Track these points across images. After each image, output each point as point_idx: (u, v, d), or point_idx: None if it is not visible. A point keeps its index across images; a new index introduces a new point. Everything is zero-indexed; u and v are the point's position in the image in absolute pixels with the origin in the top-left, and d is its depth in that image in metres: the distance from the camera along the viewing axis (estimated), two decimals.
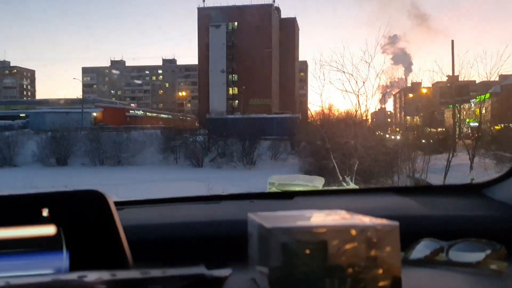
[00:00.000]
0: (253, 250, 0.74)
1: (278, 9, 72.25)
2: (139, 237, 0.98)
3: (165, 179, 22.17)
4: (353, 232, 0.65)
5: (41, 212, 0.74)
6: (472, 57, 28.60)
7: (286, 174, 19.40)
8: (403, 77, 48.07)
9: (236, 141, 34.37)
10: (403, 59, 65.42)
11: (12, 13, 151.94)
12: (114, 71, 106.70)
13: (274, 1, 70.15)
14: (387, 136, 30.82)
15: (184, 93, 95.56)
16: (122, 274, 0.53)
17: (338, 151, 19.92)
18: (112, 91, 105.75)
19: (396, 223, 0.67)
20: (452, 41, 27.39)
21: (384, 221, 0.69)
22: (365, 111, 22.39)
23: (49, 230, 0.74)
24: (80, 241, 0.74)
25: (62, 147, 35.85)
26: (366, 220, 0.69)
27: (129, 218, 1.13)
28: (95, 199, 0.76)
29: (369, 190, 2.06)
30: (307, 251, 0.65)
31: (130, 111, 61.69)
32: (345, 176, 18.10)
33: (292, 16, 77.00)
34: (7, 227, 0.73)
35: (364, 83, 21.14)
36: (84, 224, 0.74)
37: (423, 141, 26.23)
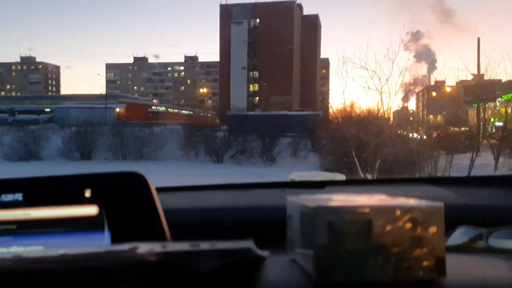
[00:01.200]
0: (294, 232, 0.75)
1: (300, 6, 71.99)
2: (177, 220, 0.98)
3: (187, 174, 22.39)
4: (398, 212, 0.65)
5: (83, 193, 0.76)
6: (499, 55, 28.02)
7: (307, 171, 19.37)
8: (427, 74, 47.44)
9: (256, 138, 34.40)
10: (427, 56, 64.66)
11: (38, 11, 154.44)
12: (137, 68, 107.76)
13: None
14: (410, 135, 30.51)
15: (205, 90, 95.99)
16: (172, 246, 0.54)
17: (360, 149, 19.80)
18: (135, 87, 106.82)
19: (441, 204, 0.67)
20: (478, 39, 26.98)
21: (428, 202, 0.69)
22: (388, 109, 22.19)
23: (92, 210, 0.75)
24: (121, 222, 0.76)
25: (86, 141, 36.37)
26: (410, 201, 0.70)
27: (168, 202, 1.12)
28: (136, 180, 0.78)
29: (401, 180, 2.05)
30: (353, 230, 0.65)
31: (152, 107, 62.28)
32: (366, 173, 18.01)
33: (314, 13, 76.68)
34: (51, 206, 0.75)
35: (387, 80, 20.94)
36: (125, 205, 0.76)
37: (446, 140, 25.88)
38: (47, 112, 51.42)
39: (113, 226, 0.75)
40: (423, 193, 1.39)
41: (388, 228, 0.63)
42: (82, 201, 0.76)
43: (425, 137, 26.27)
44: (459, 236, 0.94)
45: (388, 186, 1.70)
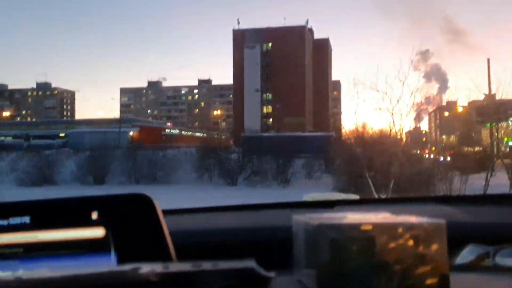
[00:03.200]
0: (299, 250, 0.76)
1: (311, 30, 72.60)
2: (183, 242, 0.98)
3: (200, 197, 22.39)
4: (400, 229, 0.66)
5: (90, 215, 0.77)
6: (510, 75, 27.91)
7: (321, 192, 19.28)
8: (438, 95, 47.29)
9: (270, 159, 34.35)
10: (437, 76, 64.46)
11: (54, 38, 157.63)
12: (150, 92, 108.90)
13: (307, 23, 70.70)
14: (423, 155, 30.23)
15: (219, 112, 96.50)
16: (174, 267, 0.53)
17: (373, 170, 19.69)
18: (149, 111, 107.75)
19: (443, 221, 0.68)
20: (488, 60, 26.84)
21: (431, 220, 0.72)
22: (400, 129, 22.09)
23: (98, 232, 0.76)
24: (128, 243, 0.77)
25: (100, 166, 36.52)
26: (412, 218, 0.74)
27: (174, 224, 1.13)
28: (142, 202, 0.79)
29: (410, 199, 2.04)
30: (355, 248, 0.65)
31: (166, 130, 62.67)
32: (380, 195, 17.88)
33: (324, 36, 77.27)
34: (58, 229, 0.76)
35: (398, 101, 20.90)
36: (131, 227, 0.77)
37: (460, 160, 25.63)
38: (61, 137, 51.97)
39: (119, 248, 0.76)
40: (431, 211, 1.39)
41: (391, 245, 0.62)
42: (89, 223, 0.77)
43: (441, 158, 26.05)
44: (466, 254, 0.94)
45: (397, 205, 1.70)
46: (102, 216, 0.76)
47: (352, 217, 0.71)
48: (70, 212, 0.77)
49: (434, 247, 0.63)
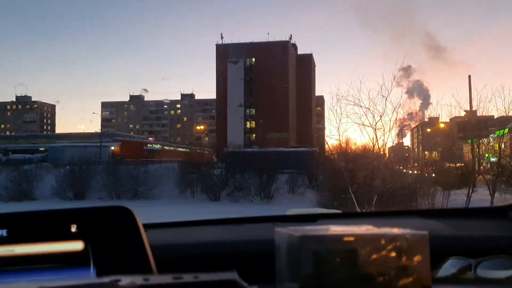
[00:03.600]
0: (282, 263, 0.71)
1: (294, 46, 73.22)
2: (165, 255, 0.97)
3: (182, 212, 22.14)
4: (383, 241, 0.66)
5: (69, 228, 0.75)
6: (490, 92, 28.45)
7: (304, 208, 19.23)
8: (421, 110, 47.86)
9: (253, 175, 34.29)
10: (420, 92, 65.40)
11: (34, 50, 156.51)
12: (132, 106, 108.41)
13: (290, 38, 71.29)
14: (405, 170, 30.45)
15: (202, 127, 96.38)
16: (154, 279, 0.55)
17: (356, 185, 19.72)
18: (130, 125, 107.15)
19: (425, 232, 0.68)
20: (469, 76, 27.22)
21: (413, 231, 0.70)
22: (383, 145, 22.22)
23: (77, 245, 0.75)
24: (108, 257, 0.74)
25: (80, 180, 36.13)
26: (395, 230, 0.71)
27: (156, 238, 1.12)
28: (123, 215, 0.77)
29: (393, 212, 2.06)
30: (338, 259, 0.66)
31: (148, 145, 62.25)
32: (363, 210, 17.86)
33: (308, 52, 77.99)
34: (36, 243, 0.73)
35: (381, 117, 21.04)
36: (111, 240, 0.75)
37: (442, 176, 25.87)
38: (41, 151, 51.27)
39: (99, 261, 0.74)
40: (413, 224, 1.38)
41: (374, 257, 0.64)
42: (68, 236, 0.75)
43: (425, 174, 26.25)
44: (448, 267, 0.94)
45: (379, 219, 1.71)
46: (82, 229, 0.78)
47: (335, 229, 0.73)
48: (49, 225, 0.78)
49: (417, 258, 0.65)
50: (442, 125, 38.41)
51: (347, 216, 2.13)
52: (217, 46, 70.47)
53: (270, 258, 0.78)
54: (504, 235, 1.30)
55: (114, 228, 0.76)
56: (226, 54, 68.31)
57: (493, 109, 26.03)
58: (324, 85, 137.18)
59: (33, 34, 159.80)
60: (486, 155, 29.04)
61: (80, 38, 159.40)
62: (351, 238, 0.65)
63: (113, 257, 0.74)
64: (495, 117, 28.97)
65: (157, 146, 65.03)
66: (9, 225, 0.75)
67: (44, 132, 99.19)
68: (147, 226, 0.81)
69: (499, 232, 1.33)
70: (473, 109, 25.92)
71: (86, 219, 0.76)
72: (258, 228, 1.56)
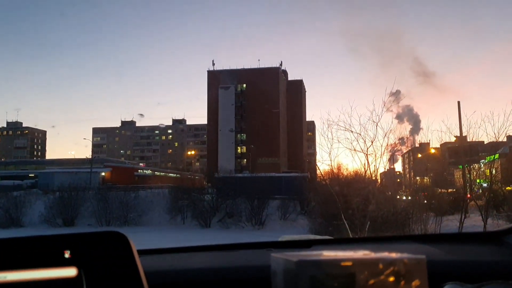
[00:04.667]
0: None
1: (285, 72, 73.81)
2: (160, 282, 0.97)
3: (173, 239, 21.84)
4: (381, 265, 0.67)
5: (63, 254, 0.74)
6: (480, 117, 28.76)
7: (296, 234, 19.04)
8: (412, 136, 48.14)
9: (244, 201, 34.02)
10: (410, 117, 65.90)
11: (25, 74, 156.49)
12: (124, 132, 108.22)
13: (281, 64, 71.93)
14: (398, 196, 30.42)
15: (193, 152, 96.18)
16: None
17: (349, 211, 19.62)
18: (121, 151, 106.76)
19: (423, 257, 0.68)
20: (459, 103, 27.47)
21: (410, 255, 0.70)
22: (375, 171, 22.20)
23: (71, 272, 0.73)
24: (101, 283, 0.73)
25: (70, 207, 35.67)
26: (393, 254, 0.71)
27: (149, 264, 1.08)
28: (117, 240, 0.77)
29: (387, 237, 2.05)
30: (336, 284, 0.66)
31: (139, 171, 61.88)
32: (357, 236, 17.72)
33: (298, 77, 78.65)
34: (30, 269, 0.72)
35: (372, 142, 21.09)
36: (105, 266, 0.74)
37: (434, 202, 25.85)
38: (31, 177, 50.77)
39: (92, 287, 0.73)
40: (408, 250, 1.35)
41: (372, 281, 0.65)
42: (61, 262, 0.74)
43: (417, 199, 26.22)
44: None
45: (374, 244, 1.72)
46: (75, 255, 0.77)
47: (332, 254, 0.73)
48: (42, 251, 0.77)
49: (415, 283, 0.65)
50: (433, 151, 38.60)
51: (342, 242, 2.11)
52: (209, 72, 70.92)
53: (265, 284, 0.78)
54: (499, 260, 1.29)
55: (108, 253, 0.74)
56: (218, 80, 68.72)
57: (483, 134, 26.14)
58: (314, 110, 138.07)
59: (25, 59, 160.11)
60: (478, 180, 29.14)
61: (73, 64, 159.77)
62: (349, 263, 0.65)
63: (107, 283, 0.73)
64: (485, 143, 29.18)
65: (148, 172, 64.68)
66: (1, 250, 0.73)
67: (35, 158, 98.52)
68: (139, 252, 0.74)
69: (494, 257, 1.33)
70: (463, 134, 26.10)
71: (80, 244, 0.75)
72: (252, 254, 1.53)
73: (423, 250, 1.42)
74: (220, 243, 1.70)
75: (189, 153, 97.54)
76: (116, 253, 0.74)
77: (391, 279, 0.65)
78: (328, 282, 0.64)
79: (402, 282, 0.65)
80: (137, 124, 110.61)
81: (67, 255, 0.73)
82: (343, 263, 0.65)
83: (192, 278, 1.18)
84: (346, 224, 18.72)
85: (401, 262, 0.67)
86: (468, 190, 26.85)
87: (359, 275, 0.65)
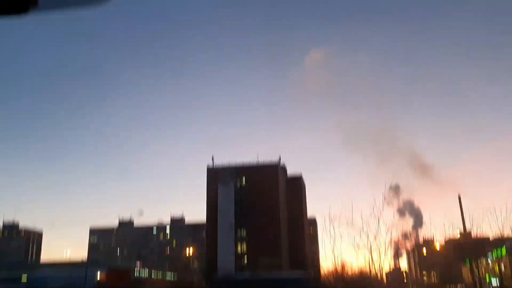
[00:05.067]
0: None
1: (284, 168, 74.01)
2: None
3: None
4: None
5: None
6: (482, 211, 28.46)
7: None
8: (414, 230, 47.27)
9: None
10: (411, 211, 65.03)
11: (23, 174, 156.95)
12: (121, 231, 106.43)
13: (280, 159, 72.26)
14: None
15: (191, 250, 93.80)
16: None
17: None
18: (118, 250, 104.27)
19: None
20: (459, 196, 27.18)
21: None
22: (379, 268, 21.43)
23: None
24: None
25: None
26: None
27: None
28: None
29: None
30: None
31: (135, 273, 59.76)
32: None
33: (297, 172, 78.70)
34: None
35: (375, 237, 20.50)
36: None
37: None
38: (23, 283, 48.91)
39: None
40: None
41: None
42: None
43: None
44: None
45: None
46: None
47: None
48: None
49: None
50: (437, 246, 37.69)
51: None
52: (208, 169, 70.98)
53: None
54: None
55: None
56: (217, 176, 68.64)
57: (487, 228, 25.70)
58: (315, 204, 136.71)
59: (24, 161, 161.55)
60: (487, 279, 28.08)
61: (71, 165, 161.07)
62: None
63: None
64: (490, 239, 28.52)
65: (145, 275, 62.36)
66: None
67: (30, 259, 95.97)
68: None
69: None
70: (467, 227, 25.56)
71: None
72: None
73: None
74: None
75: (187, 252, 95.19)
76: None
77: None
78: None
79: None
80: (135, 222, 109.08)
81: None
82: None
83: None
84: None
85: None
86: (477, 283, 25.82)
87: None
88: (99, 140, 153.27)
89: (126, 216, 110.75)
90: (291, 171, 76.04)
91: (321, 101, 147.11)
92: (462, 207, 26.77)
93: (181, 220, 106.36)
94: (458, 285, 31.78)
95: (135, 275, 57.65)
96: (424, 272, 40.70)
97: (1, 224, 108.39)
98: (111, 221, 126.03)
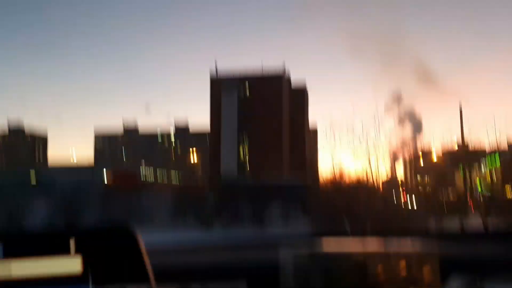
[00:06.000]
0: (288, 283, 0.78)
1: (288, 80, 73.48)
2: (167, 276, 0.97)
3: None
4: (392, 258, 0.65)
5: (68, 245, 0.78)
6: (481, 120, 28.84)
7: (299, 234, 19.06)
8: (413, 139, 48.05)
9: (247, 205, 34.10)
10: (412, 120, 65.49)
11: (28, 77, 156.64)
12: (126, 138, 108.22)
13: (284, 68, 71.33)
14: (399, 202, 30.44)
15: (195, 158, 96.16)
16: None
17: (351, 218, 19.69)
18: (124, 157, 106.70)
19: (433, 250, 0.67)
20: (460, 108, 27.59)
21: (421, 249, 0.71)
22: (376, 176, 22.19)
23: (75, 262, 0.77)
24: (107, 275, 0.77)
25: (72, 211, 35.55)
26: (403, 248, 0.72)
27: (157, 260, 1.11)
28: (124, 233, 0.81)
29: (396, 233, 2.12)
30: (348, 276, 0.65)
31: (141, 176, 61.68)
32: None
33: (300, 77, 77.94)
34: (36, 257, 0.76)
35: (374, 144, 21.11)
36: (111, 258, 0.78)
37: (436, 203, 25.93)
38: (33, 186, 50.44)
39: (98, 279, 0.74)
40: (417, 245, 1.44)
41: (383, 274, 0.63)
42: (67, 252, 0.74)
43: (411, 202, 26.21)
44: (455, 283, 0.97)
45: (384, 239, 1.75)
46: (80, 246, 0.74)
47: (344, 246, 0.72)
48: (47, 242, 0.74)
49: (426, 274, 0.64)
50: (434, 158, 38.82)
51: (354, 235, 2.27)
52: (212, 79, 70.82)
53: (275, 279, 0.86)
54: (500, 255, 1.38)
55: (115, 246, 0.79)
56: (220, 85, 68.79)
57: (485, 139, 26.05)
58: (316, 109, 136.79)
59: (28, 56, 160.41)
60: (478, 180, 29.10)
61: (74, 60, 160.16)
62: (361, 256, 0.67)
63: (113, 276, 0.77)
64: (486, 152, 29.23)
65: (151, 177, 64.42)
66: (5, 239, 0.78)
67: (36, 162, 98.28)
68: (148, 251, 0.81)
69: (495, 253, 1.41)
70: (465, 136, 26.22)
71: (85, 236, 0.79)
72: (260, 251, 1.59)
73: (429, 245, 1.52)
74: (228, 243, 1.78)
75: (191, 159, 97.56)
76: (124, 245, 0.82)
77: (403, 271, 0.71)
78: (341, 274, 0.68)
79: (413, 274, 0.71)
80: (139, 126, 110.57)
81: (72, 246, 0.82)
82: (355, 256, 0.70)
83: (199, 275, 1.25)
84: (348, 230, 18.83)
85: (413, 255, 0.73)
86: (468, 193, 26.89)
87: (371, 267, 0.71)
88: (103, 40, 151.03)
89: (130, 120, 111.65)
90: (294, 75, 74.74)
91: (326, 4, 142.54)
92: (463, 117, 27.14)
93: (186, 129, 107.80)
94: (449, 188, 33.06)
95: (142, 179, 59.62)
96: (418, 176, 42.22)
97: (7, 128, 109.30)
98: (116, 124, 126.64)
